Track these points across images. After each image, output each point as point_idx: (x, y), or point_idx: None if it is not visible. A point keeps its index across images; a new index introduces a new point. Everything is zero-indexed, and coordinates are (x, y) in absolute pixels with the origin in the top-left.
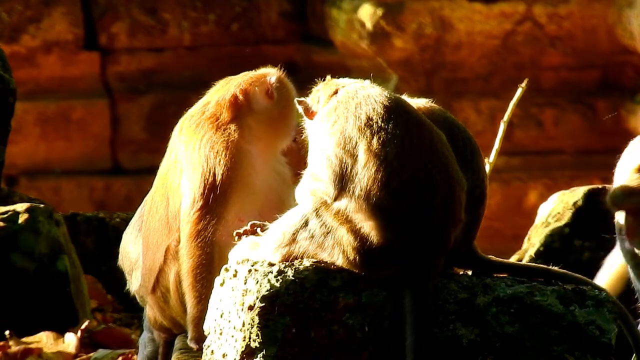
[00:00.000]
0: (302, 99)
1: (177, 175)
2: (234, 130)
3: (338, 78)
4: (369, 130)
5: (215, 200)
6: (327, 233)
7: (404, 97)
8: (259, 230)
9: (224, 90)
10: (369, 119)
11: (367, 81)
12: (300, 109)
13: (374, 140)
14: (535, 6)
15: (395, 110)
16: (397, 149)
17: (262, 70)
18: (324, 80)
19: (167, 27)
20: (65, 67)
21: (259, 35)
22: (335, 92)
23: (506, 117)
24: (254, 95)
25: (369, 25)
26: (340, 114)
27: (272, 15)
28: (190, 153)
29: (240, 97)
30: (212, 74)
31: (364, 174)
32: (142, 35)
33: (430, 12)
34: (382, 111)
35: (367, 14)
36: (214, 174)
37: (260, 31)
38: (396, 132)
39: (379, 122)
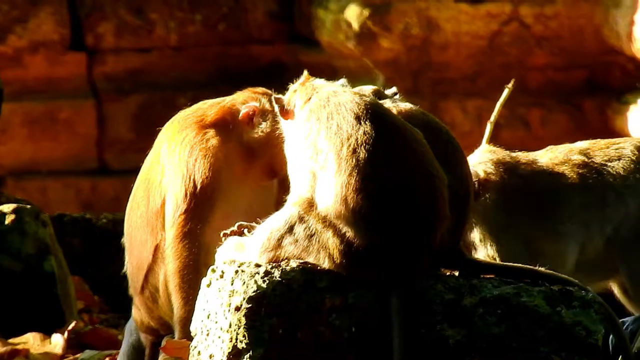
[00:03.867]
0: (280, 96)
1: (159, 173)
2: (213, 137)
3: (314, 78)
4: (339, 140)
5: (199, 204)
6: (312, 237)
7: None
8: (245, 231)
9: (231, 97)
10: (339, 128)
11: (343, 80)
12: (276, 107)
13: (344, 149)
14: (521, 6)
15: (365, 116)
16: (367, 153)
17: (260, 91)
18: (301, 78)
19: (153, 27)
20: (52, 67)
21: (246, 35)
22: (309, 99)
23: (493, 117)
24: (237, 116)
25: (355, 25)
26: (312, 125)
27: (258, 16)
28: (172, 154)
29: (230, 110)
30: (198, 74)
31: (338, 181)
32: (129, 36)
33: (416, 12)
34: (352, 119)
35: (353, 15)
36: (194, 181)
37: (247, 31)
38: (367, 137)
39: (349, 130)
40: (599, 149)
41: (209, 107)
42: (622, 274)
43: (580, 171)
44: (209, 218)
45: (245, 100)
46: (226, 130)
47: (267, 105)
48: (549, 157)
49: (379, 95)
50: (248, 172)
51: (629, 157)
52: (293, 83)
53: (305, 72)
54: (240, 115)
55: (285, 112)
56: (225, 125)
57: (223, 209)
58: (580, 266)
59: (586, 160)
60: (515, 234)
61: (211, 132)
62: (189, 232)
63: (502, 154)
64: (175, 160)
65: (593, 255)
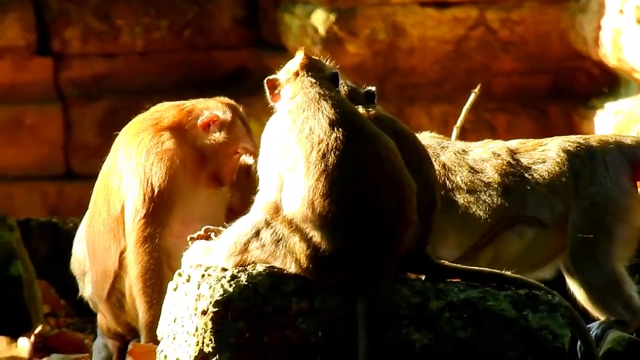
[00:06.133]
0: (274, 76)
1: (117, 178)
2: (168, 139)
3: (309, 59)
4: (309, 143)
5: (158, 208)
6: (279, 242)
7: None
8: (212, 235)
9: (188, 102)
10: (312, 132)
11: (336, 71)
12: (266, 87)
13: (314, 153)
14: (488, 11)
15: (339, 123)
16: (337, 158)
17: (226, 102)
18: (297, 57)
19: (119, 33)
20: (18, 72)
21: (212, 41)
22: (293, 98)
23: (459, 122)
24: (194, 120)
25: (321, 30)
26: (289, 124)
27: (224, 21)
28: (128, 158)
29: (187, 115)
30: (164, 80)
31: (305, 184)
32: (95, 41)
33: (383, 17)
34: (326, 124)
35: (319, 20)
36: (152, 184)
37: (212, 37)
38: (337, 143)
39: (321, 135)
40: (526, 150)
41: (166, 110)
42: (578, 284)
43: (503, 171)
44: (168, 222)
45: (208, 106)
46: (181, 132)
47: (228, 118)
48: (478, 152)
49: (354, 93)
50: (199, 177)
51: (553, 159)
52: (294, 56)
53: (302, 53)
54: (201, 120)
55: (274, 95)
56: (181, 128)
57: (180, 212)
58: (494, 263)
59: (512, 161)
60: None
61: (166, 134)
62: (149, 237)
63: (432, 140)
64: (132, 164)
65: (510, 255)
